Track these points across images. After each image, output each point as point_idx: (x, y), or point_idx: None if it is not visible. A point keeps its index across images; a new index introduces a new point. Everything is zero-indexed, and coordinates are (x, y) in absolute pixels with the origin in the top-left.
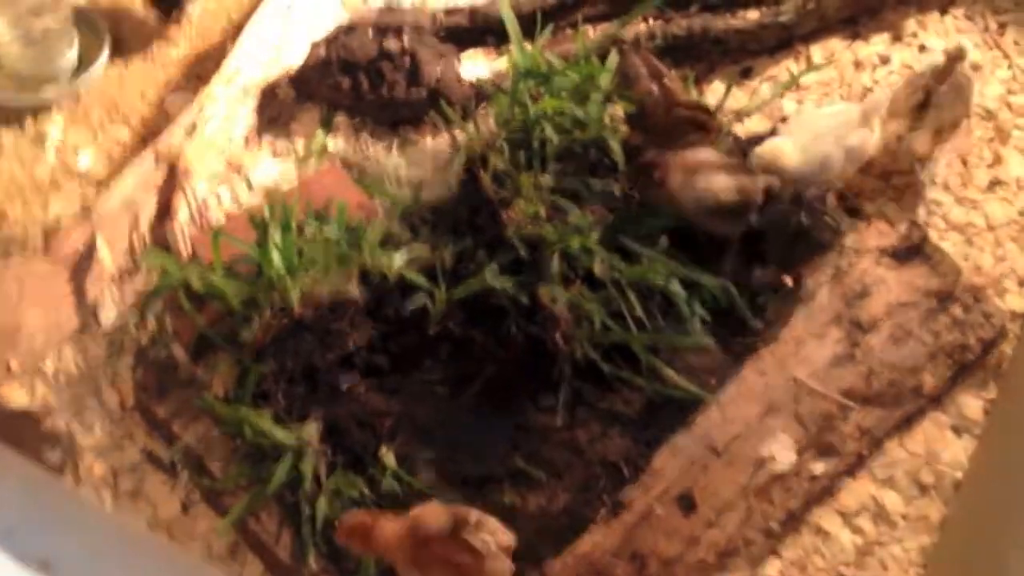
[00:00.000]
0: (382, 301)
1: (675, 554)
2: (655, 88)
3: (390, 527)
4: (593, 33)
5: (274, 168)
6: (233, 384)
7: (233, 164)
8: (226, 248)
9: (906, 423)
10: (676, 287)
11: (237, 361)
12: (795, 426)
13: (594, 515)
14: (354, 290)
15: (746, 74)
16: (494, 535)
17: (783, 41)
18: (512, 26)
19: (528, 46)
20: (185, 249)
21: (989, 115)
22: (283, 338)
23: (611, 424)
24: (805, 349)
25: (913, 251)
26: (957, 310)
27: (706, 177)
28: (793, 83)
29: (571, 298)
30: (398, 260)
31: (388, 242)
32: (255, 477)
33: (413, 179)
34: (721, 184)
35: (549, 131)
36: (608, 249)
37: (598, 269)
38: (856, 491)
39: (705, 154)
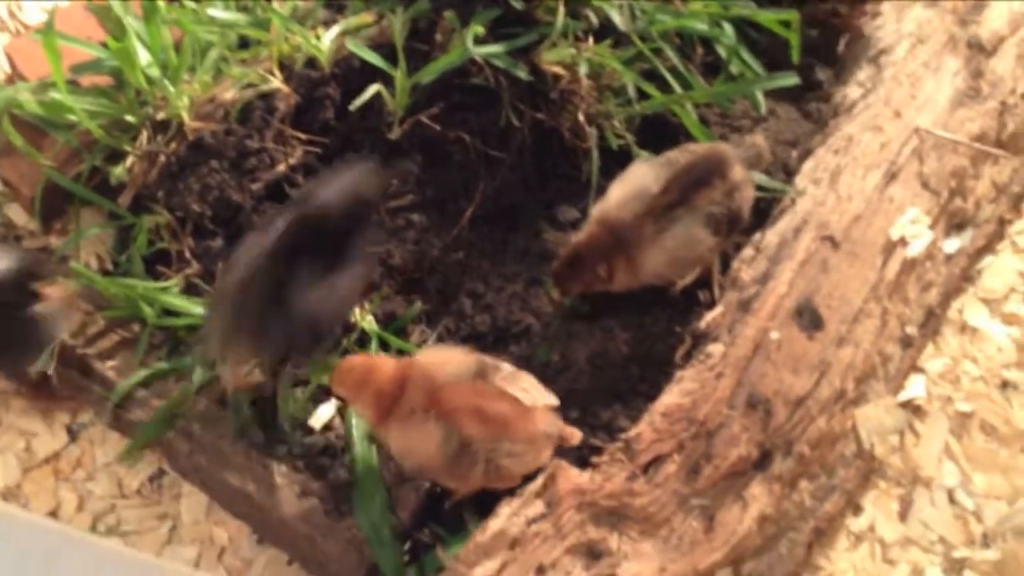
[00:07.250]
0: (313, 100)
1: (805, 389)
2: None
3: (391, 366)
4: None
5: None
6: (111, 249)
7: None
8: (65, 54)
9: None
10: (724, 31)
11: (111, 215)
12: (922, 193)
13: (672, 354)
14: (276, 82)
15: None
16: (531, 391)
17: None
18: None
19: None
20: None
21: None
22: (176, 171)
23: None
24: (922, 89)
25: None
26: None
27: None
28: None
29: (590, 61)
30: (329, 36)
31: (304, 20)
32: (174, 374)
33: None
34: None
35: None
36: None
37: (620, 19)
38: (999, 270)
39: None
